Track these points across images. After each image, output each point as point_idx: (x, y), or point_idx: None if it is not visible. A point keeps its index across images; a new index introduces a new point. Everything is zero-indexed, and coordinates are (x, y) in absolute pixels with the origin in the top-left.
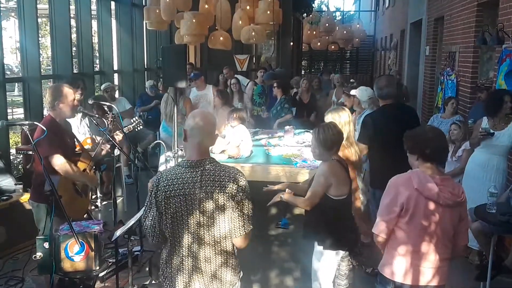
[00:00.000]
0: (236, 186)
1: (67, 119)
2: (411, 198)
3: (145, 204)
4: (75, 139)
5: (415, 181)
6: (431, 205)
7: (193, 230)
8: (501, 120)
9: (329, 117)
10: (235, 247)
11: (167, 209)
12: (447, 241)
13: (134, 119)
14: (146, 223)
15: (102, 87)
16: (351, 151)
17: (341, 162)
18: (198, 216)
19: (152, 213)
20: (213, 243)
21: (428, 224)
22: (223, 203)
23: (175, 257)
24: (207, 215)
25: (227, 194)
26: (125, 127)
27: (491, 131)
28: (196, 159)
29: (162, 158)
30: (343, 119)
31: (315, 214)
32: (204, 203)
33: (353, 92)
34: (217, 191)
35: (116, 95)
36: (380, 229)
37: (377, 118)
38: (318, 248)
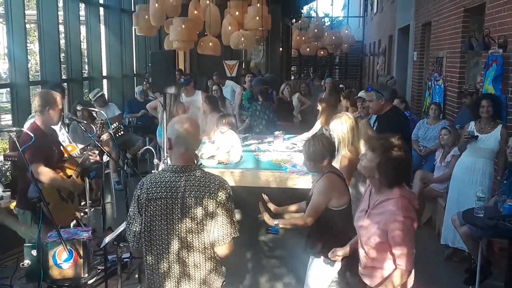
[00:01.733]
0: (223, 193)
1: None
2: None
3: (130, 209)
4: (61, 146)
5: (413, 201)
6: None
7: (172, 235)
8: (487, 124)
9: (332, 124)
10: (216, 254)
11: (147, 212)
12: None
13: (114, 125)
14: (131, 228)
15: (91, 95)
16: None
17: (337, 173)
18: (178, 221)
19: (137, 218)
20: (195, 249)
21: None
22: (208, 209)
23: (153, 261)
24: (189, 220)
25: (214, 201)
26: (104, 134)
27: (475, 134)
28: (181, 165)
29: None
30: (347, 125)
31: (318, 226)
32: (187, 209)
33: (362, 94)
34: (203, 197)
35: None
36: (411, 263)
37: (396, 121)
38: (319, 259)
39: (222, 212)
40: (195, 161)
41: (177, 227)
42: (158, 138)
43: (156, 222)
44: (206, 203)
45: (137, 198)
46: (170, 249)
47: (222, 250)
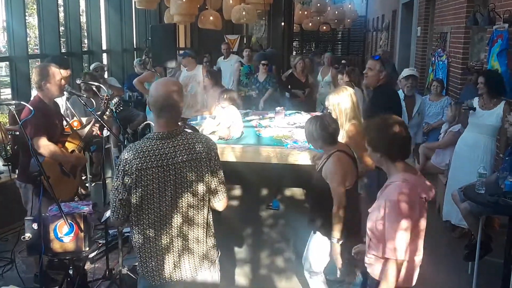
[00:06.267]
0: (212, 153)
1: (55, 100)
2: (418, 206)
3: (114, 181)
4: (63, 120)
5: (420, 190)
6: (425, 205)
7: (169, 201)
8: (488, 100)
9: (329, 98)
10: (211, 218)
11: (138, 182)
12: None
13: (114, 100)
14: (116, 198)
15: (92, 67)
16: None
17: (345, 151)
18: (174, 186)
19: (119, 189)
20: (191, 213)
21: (424, 222)
22: (200, 171)
23: (147, 233)
24: (184, 184)
25: (204, 161)
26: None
27: (474, 106)
28: (166, 130)
29: None
30: (342, 99)
31: (320, 204)
32: (180, 174)
33: (410, 71)
34: (193, 159)
35: (105, 75)
36: (404, 252)
37: (378, 99)
38: (320, 234)
39: (214, 169)
40: (179, 124)
41: (174, 193)
42: (148, 115)
43: (149, 192)
44: (198, 165)
45: (122, 169)
46: (169, 215)
47: (221, 205)
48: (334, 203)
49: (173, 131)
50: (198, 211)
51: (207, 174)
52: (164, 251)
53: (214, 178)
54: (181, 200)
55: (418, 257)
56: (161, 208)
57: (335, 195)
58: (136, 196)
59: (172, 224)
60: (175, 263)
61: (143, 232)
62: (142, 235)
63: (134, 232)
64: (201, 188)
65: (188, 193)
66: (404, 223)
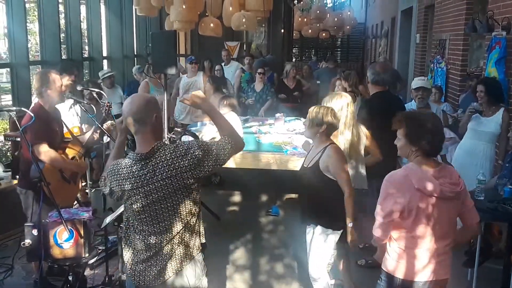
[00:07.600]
0: (191, 161)
1: (56, 106)
2: (413, 199)
3: (104, 174)
4: (64, 126)
5: (414, 181)
6: (434, 201)
7: (154, 215)
8: (487, 107)
9: (334, 105)
10: (198, 227)
11: (122, 199)
12: (451, 232)
13: None
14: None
15: (100, 74)
16: (343, 137)
17: (337, 145)
18: (158, 202)
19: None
20: (177, 224)
21: (432, 219)
22: (182, 184)
23: (136, 241)
24: (169, 199)
25: (184, 175)
26: (108, 121)
27: (480, 108)
28: (145, 151)
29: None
30: (336, 105)
31: (316, 197)
32: (161, 191)
33: (421, 82)
34: (173, 175)
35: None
36: (380, 232)
37: (373, 105)
38: (319, 231)
39: (203, 167)
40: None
41: (156, 209)
42: None
43: (133, 208)
44: (179, 179)
45: (109, 184)
46: (153, 229)
47: (240, 147)
48: (345, 191)
49: (151, 150)
50: (183, 220)
51: (192, 182)
52: (150, 257)
53: (209, 162)
54: (166, 213)
55: (421, 250)
56: (147, 220)
57: (343, 182)
58: (125, 217)
59: (159, 235)
60: (161, 268)
61: (131, 241)
62: (131, 243)
63: (123, 239)
64: (186, 199)
65: (173, 206)
66: (384, 205)
